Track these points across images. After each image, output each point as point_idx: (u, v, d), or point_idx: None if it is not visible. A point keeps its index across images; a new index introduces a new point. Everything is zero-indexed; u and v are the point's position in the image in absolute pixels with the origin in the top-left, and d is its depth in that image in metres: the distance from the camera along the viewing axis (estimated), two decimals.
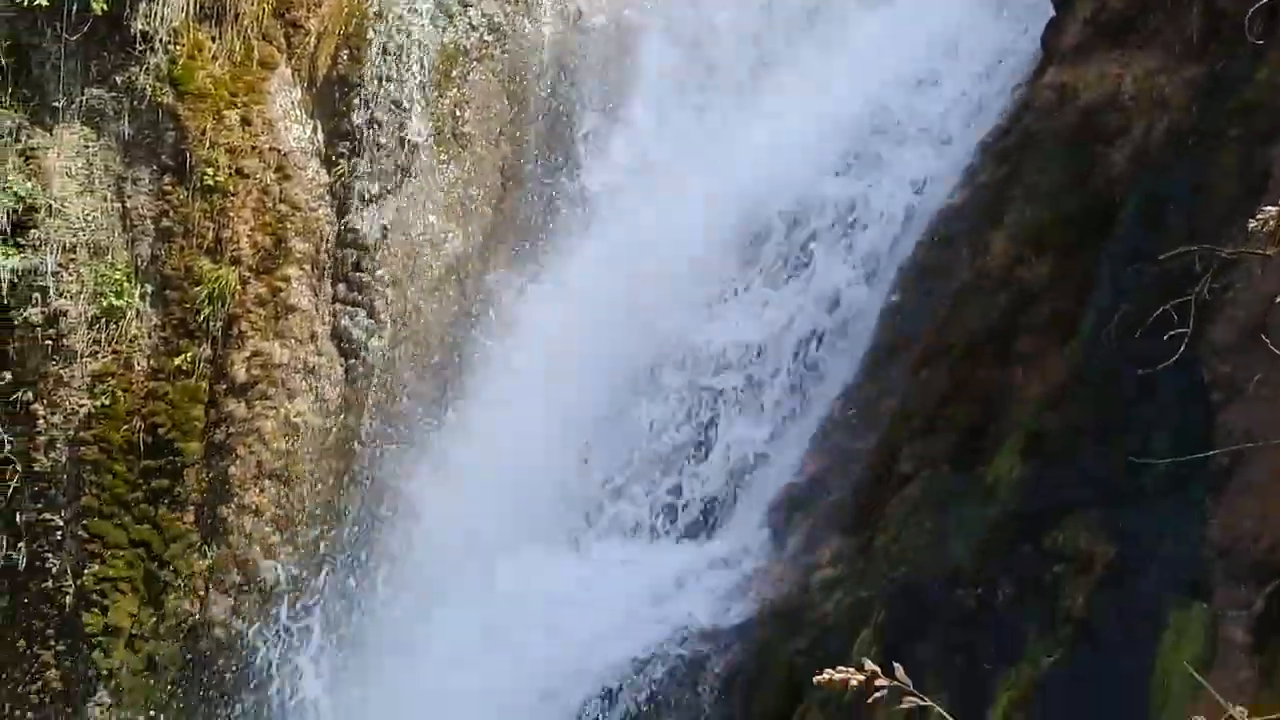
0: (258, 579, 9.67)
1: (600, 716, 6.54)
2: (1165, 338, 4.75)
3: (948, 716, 2.61)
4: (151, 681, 9.88)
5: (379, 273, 9.96)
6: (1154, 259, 5.10)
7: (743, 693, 6.16)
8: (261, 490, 9.85)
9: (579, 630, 7.04)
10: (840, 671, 2.69)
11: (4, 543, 10.38)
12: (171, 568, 10.03)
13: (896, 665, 2.68)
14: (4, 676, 10.61)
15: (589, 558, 7.81)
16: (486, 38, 10.15)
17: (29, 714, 10.45)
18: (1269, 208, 3.92)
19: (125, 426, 10.05)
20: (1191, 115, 5.78)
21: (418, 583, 8.57)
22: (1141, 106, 5.98)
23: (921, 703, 2.66)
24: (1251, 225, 4.01)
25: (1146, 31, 6.22)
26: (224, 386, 9.98)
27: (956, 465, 5.85)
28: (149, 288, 10.13)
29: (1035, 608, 4.86)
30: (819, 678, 2.73)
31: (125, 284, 10.08)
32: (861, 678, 2.66)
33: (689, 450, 7.75)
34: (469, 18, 10.15)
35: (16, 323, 10.13)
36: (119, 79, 10.06)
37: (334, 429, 9.85)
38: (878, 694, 2.65)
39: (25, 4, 9.64)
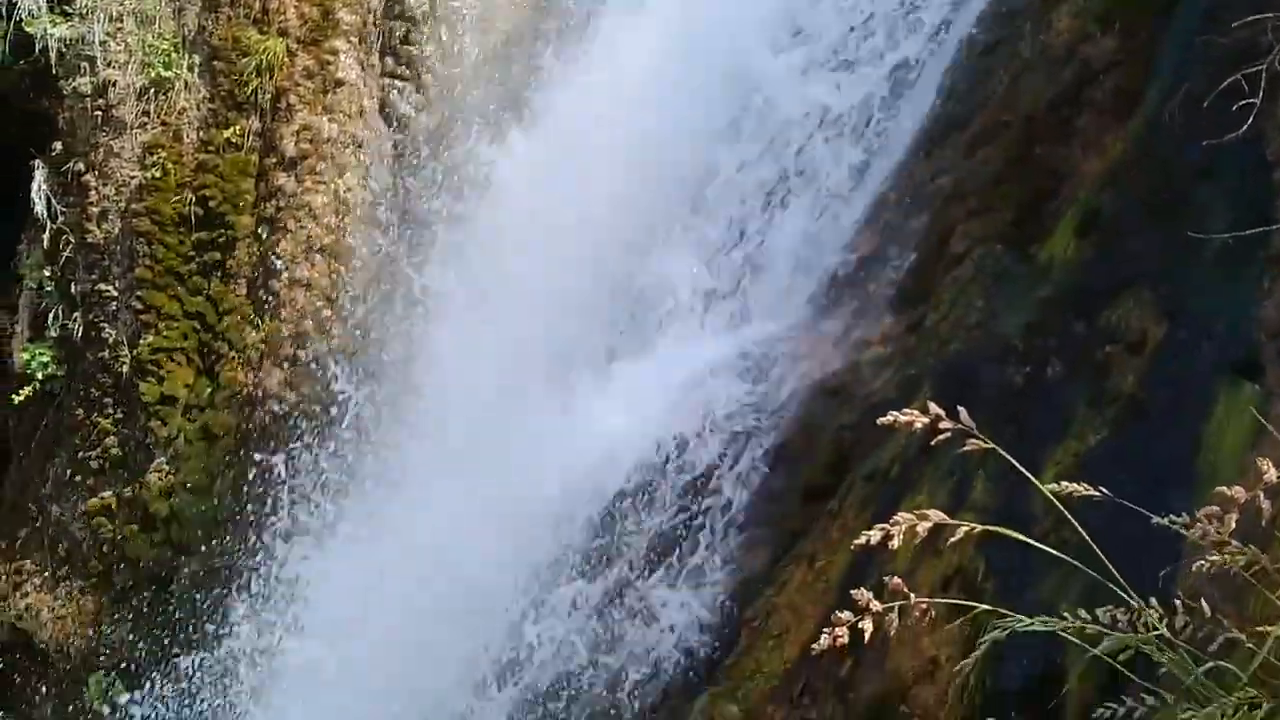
0: (309, 350, 9.78)
1: (650, 489, 6.66)
2: (1234, 108, 4.65)
3: (1009, 458, 2.62)
4: (208, 449, 10.10)
5: (427, 47, 9.82)
6: (1222, 31, 4.95)
7: (790, 466, 6.24)
8: (312, 265, 9.91)
9: (622, 417, 7.12)
10: (905, 414, 2.70)
11: (60, 313, 10.55)
12: (225, 340, 10.17)
13: (960, 409, 2.69)
14: (64, 443, 10.88)
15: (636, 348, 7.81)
16: None
17: (89, 480, 10.74)
18: None
19: (176, 199, 10.09)
20: None
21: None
22: None
23: (984, 445, 2.67)
24: None
25: None
26: (273, 160, 9.97)
27: (1011, 244, 5.79)
28: (197, 59, 10.05)
29: (1085, 385, 4.85)
30: (883, 419, 2.75)
31: (173, 54, 10.01)
32: (926, 420, 2.68)
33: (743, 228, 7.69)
34: None
35: (66, 92, 10.11)
36: None
37: (382, 205, 9.84)
38: (941, 436, 2.66)
39: None
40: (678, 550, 6.42)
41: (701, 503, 6.48)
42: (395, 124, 9.89)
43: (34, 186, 10.26)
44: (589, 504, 6.95)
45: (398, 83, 9.89)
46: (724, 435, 6.54)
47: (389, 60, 9.91)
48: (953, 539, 2.71)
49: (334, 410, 9.28)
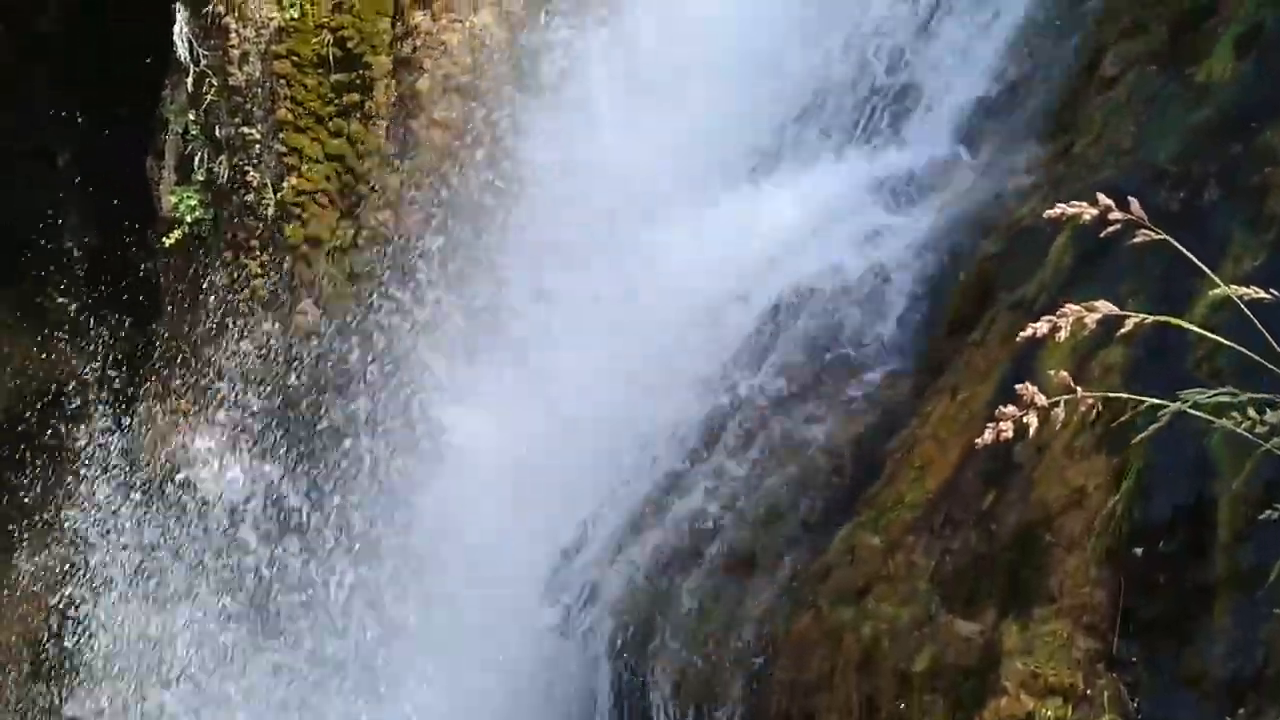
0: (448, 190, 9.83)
1: (783, 319, 6.63)
2: None
3: (1187, 254, 2.55)
4: (353, 289, 10.27)
5: None
6: None
7: (933, 297, 6.16)
8: (449, 105, 9.92)
9: (763, 244, 7.08)
10: (1073, 205, 2.64)
11: (206, 156, 10.73)
12: (367, 181, 10.27)
13: (1132, 199, 2.62)
14: (214, 286, 11.15)
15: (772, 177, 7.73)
16: None
17: (239, 321, 11.00)
18: None
19: (315, 39, 10.13)
20: None
21: None
22: None
23: (1156, 236, 2.60)
24: None
25: None
26: None
27: (1165, 65, 5.59)
28: None
29: (1242, 208, 4.70)
30: (1050, 212, 2.69)
31: None
32: (1095, 211, 2.61)
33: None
34: None
35: None
36: None
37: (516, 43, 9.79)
38: (1111, 229, 2.60)
39: None
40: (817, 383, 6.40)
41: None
42: None
43: (175, 30, 10.38)
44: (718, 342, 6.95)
45: None
46: (863, 266, 6.47)
47: None
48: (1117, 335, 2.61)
49: None
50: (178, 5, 10.38)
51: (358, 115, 10.10)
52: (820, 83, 7.88)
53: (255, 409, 10.75)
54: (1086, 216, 2.62)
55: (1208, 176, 4.96)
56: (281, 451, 10.36)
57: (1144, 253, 2.81)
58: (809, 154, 7.72)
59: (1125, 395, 3.17)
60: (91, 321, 12.56)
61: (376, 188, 10.17)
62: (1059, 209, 2.66)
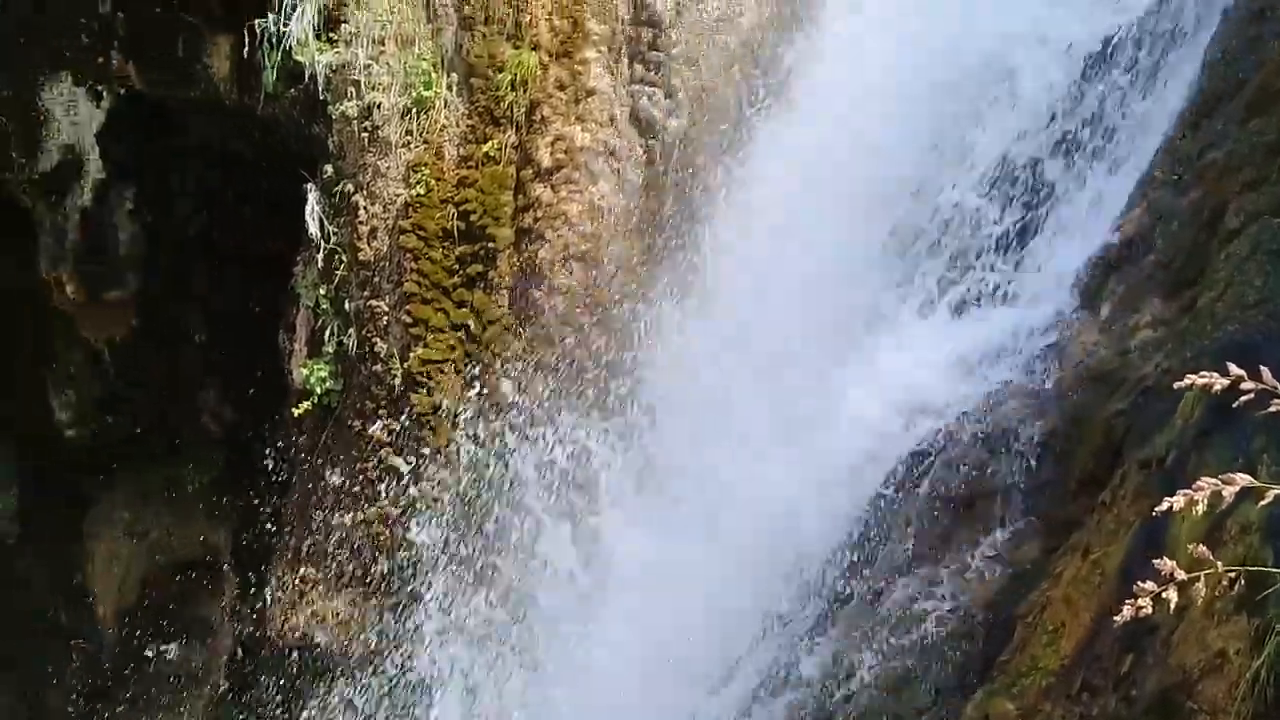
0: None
1: (910, 480, 6.57)
2: None
3: None
4: (478, 454, 10.37)
5: (674, 50, 9.91)
6: None
7: (1059, 456, 6.06)
8: (570, 272, 10.09)
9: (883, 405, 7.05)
10: (1203, 376, 2.59)
11: (336, 329, 10.99)
12: (490, 349, 10.43)
13: (1264, 368, 2.57)
14: (342, 454, 11.32)
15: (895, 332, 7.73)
16: None
17: (365, 489, 11.14)
18: None
19: (439, 214, 10.40)
20: None
21: None
22: None
23: None
24: None
25: None
26: (530, 172, 10.19)
27: None
28: (454, 76, 10.34)
29: None
30: (1178, 384, 2.64)
31: (433, 74, 10.33)
32: (1226, 381, 2.56)
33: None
34: None
35: (334, 117, 10.53)
36: None
37: (636, 210, 9.96)
38: (1244, 398, 2.55)
39: None
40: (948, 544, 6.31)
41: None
42: (646, 129, 10.01)
43: (308, 209, 10.73)
44: (850, 500, 6.90)
45: (647, 88, 10.01)
46: (988, 425, 6.39)
47: (638, 67, 10.04)
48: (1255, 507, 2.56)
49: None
50: (310, 185, 10.75)
51: (481, 285, 10.31)
52: (945, 234, 7.90)
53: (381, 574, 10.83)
54: (1217, 387, 2.57)
55: None
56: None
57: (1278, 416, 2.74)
58: (935, 311, 7.73)
59: (1266, 569, 3.07)
60: (226, 494, 12.83)
61: (499, 356, 10.32)
62: (1189, 379, 2.62)
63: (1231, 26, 6.88)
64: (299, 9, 10.23)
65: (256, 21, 10.40)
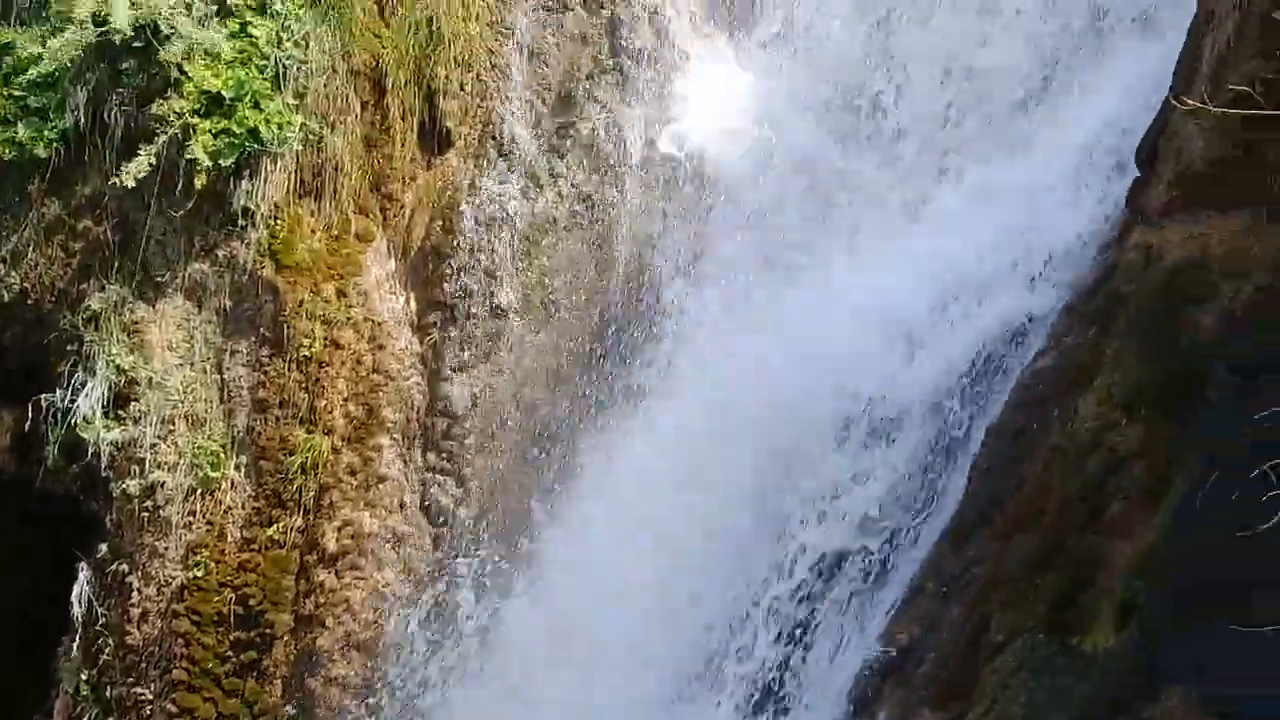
0: None
1: None
2: (1264, 499, 4.60)
3: None
4: None
5: (468, 441, 10.02)
6: (1248, 421, 4.96)
7: None
8: (349, 661, 9.81)
9: None
10: None
11: (94, 717, 10.40)
12: None
13: None
14: None
15: None
16: (576, 207, 10.29)
17: None
18: None
19: (217, 598, 10.10)
20: None
21: None
22: (1229, 268, 5.86)
23: None
24: None
25: (1233, 192, 6.13)
26: (314, 557, 10.03)
27: (1050, 634, 5.67)
28: (244, 458, 10.24)
29: None
30: None
31: (221, 455, 10.21)
32: None
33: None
34: (559, 188, 10.30)
35: (115, 495, 10.27)
36: (221, 253, 10.28)
37: (422, 599, 9.82)
38: None
39: (132, 183, 9.89)
40: None
41: None
42: (435, 517, 9.99)
43: (76, 589, 10.30)
44: None
45: (439, 476, 10.04)
46: None
47: (431, 455, 10.09)
48: None
49: None
50: (81, 565, 10.36)
51: (254, 674, 9.93)
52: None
53: None
54: None
55: None
56: None
57: None
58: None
59: None
60: None
61: None
62: None
63: (995, 443, 7.22)
64: (88, 385, 10.10)
65: (42, 396, 10.23)
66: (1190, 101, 5.69)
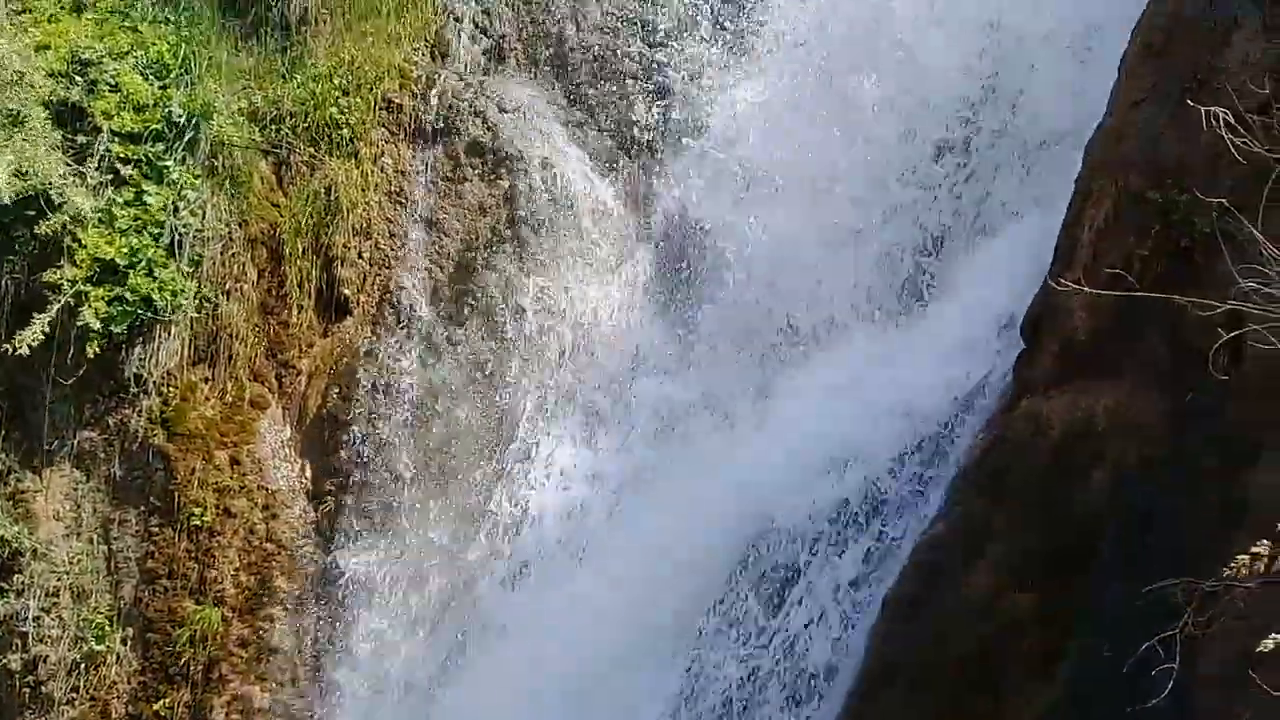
0: None
1: None
2: (1153, 672, 4.67)
3: None
4: None
5: (363, 612, 9.87)
6: (1137, 592, 5.05)
7: None
8: None
9: None
10: None
11: None
12: None
13: None
14: None
15: None
16: (474, 374, 10.30)
17: None
18: (1252, 551, 3.92)
19: None
20: (1166, 444, 5.83)
21: None
22: (1115, 436, 6.02)
23: None
24: (1234, 564, 4.01)
25: (1116, 362, 6.32)
26: None
27: None
28: (130, 631, 10.00)
29: None
30: None
31: (107, 628, 9.96)
32: None
33: None
34: (456, 356, 10.32)
35: None
36: (111, 421, 10.15)
37: None
38: None
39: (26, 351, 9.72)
40: None
41: None
42: (330, 692, 9.80)
43: None
44: None
45: (332, 649, 9.88)
46: None
47: (325, 627, 9.93)
48: None
49: None
50: None
51: None
52: None
53: None
54: None
55: None
56: None
57: None
58: None
59: None
60: None
61: None
62: None
63: (895, 608, 7.26)
64: None
65: None
66: (1067, 283, 5.89)
